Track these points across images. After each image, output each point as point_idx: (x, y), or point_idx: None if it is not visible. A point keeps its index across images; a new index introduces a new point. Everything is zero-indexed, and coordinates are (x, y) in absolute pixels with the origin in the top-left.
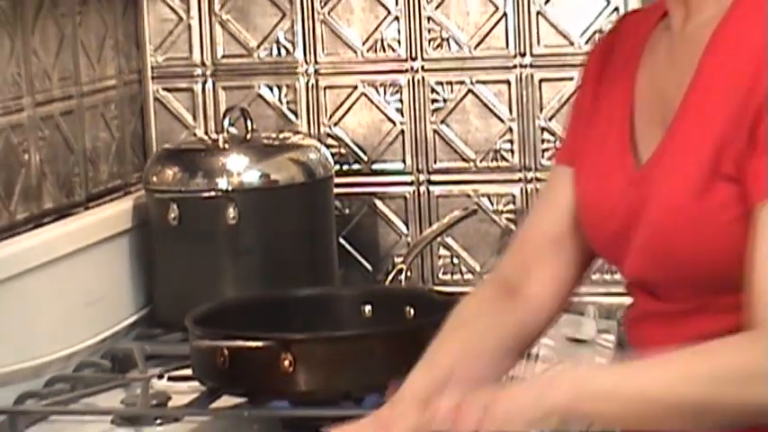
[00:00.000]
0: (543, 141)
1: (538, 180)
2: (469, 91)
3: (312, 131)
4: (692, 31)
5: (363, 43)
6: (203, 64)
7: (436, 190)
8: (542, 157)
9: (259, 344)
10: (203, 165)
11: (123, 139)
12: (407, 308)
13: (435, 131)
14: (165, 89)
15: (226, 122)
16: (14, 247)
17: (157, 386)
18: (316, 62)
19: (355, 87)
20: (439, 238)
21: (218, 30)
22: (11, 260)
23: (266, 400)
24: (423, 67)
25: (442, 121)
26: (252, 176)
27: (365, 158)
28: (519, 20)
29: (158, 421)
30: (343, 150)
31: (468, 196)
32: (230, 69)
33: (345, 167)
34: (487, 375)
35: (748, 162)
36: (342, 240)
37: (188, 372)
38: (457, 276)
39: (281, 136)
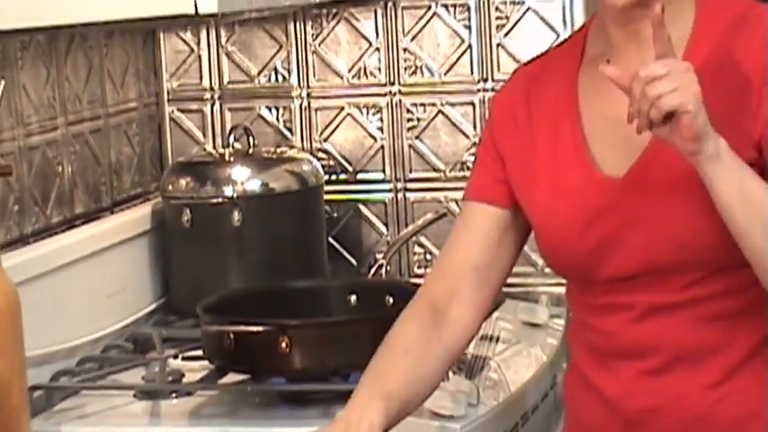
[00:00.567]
0: None
1: None
2: (440, 111)
3: (305, 146)
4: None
5: (349, 71)
6: (212, 88)
7: (411, 196)
8: None
9: (260, 328)
10: (212, 175)
11: (143, 153)
12: (387, 297)
13: (411, 146)
14: (179, 110)
15: (231, 139)
16: (50, 246)
17: (173, 365)
18: (308, 87)
19: (342, 108)
20: (414, 238)
21: (224, 59)
22: (47, 257)
23: (266, 376)
24: (400, 91)
25: (417, 137)
26: (254, 185)
27: (350, 169)
28: (482, 50)
29: (174, 395)
30: (331, 162)
31: (439, 201)
32: (235, 93)
33: (333, 177)
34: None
35: None
36: (331, 240)
37: (199, 353)
38: (429, 270)
39: (279, 150)
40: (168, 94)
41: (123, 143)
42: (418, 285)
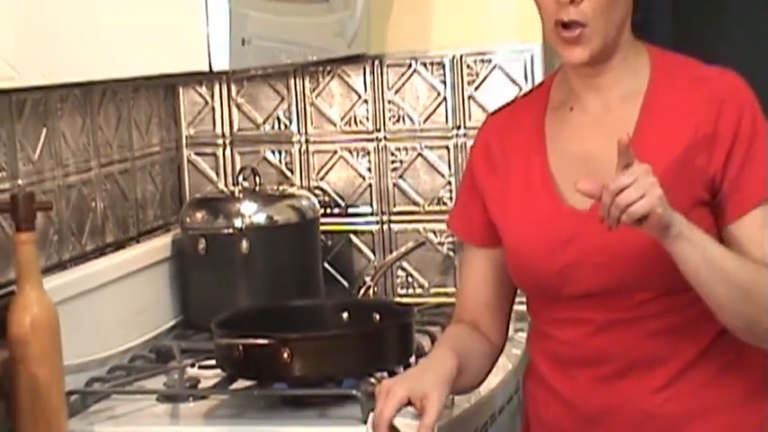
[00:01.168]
0: None
1: None
2: (419, 154)
3: (304, 184)
4: (617, 105)
5: (341, 119)
6: (223, 135)
7: (395, 227)
8: None
9: (265, 341)
10: (224, 210)
11: (165, 190)
12: (374, 314)
13: (394, 184)
14: (195, 154)
15: (240, 178)
16: (84, 271)
17: (190, 373)
18: (306, 133)
19: (335, 152)
20: (397, 263)
21: (234, 110)
22: (82, 280)
23: (270, 382)
24: (385, 137)
25: (399, 177)
26: (259, 218)
27: (343, 204)
28: (455, 102)
29: (191, 398)
30: (326, 198)
31: (419, 232)
32: (243, 139)
33: (328, 211)
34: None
35: (740, 176)
36: (326, 264)
37: (213, 362)
38: (411, 291)
39: (281, 188)
40: (186, 139)
41: (147, 182)
42: (401, 304)
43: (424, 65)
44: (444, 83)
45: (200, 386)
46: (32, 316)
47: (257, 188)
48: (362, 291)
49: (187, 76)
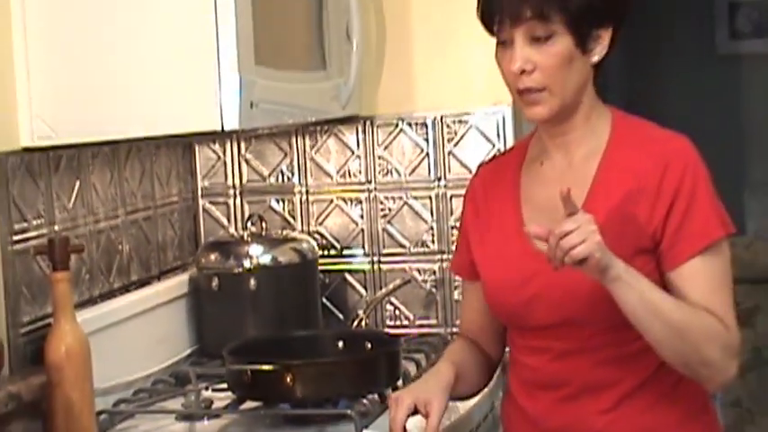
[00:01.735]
0: (452, 235)
1: (449, 260)
2: (405, 203)
3: (304, 229)
4: (579, 162)
5: (337, 173)
6: (234, 186)
7: (384, 267)
8: (451, 245)
9: (271, 367)
10: (234, 252)
11: (183, 235)
12: (367, 343)
13: (384, 229)
14: (209, 203)
15: (248, 224)
16: (112, 306)
17: (205, 395)
18: (306, 185)
19: (332, 201)
20: (386, 298)
21: (243, 164)
22: (110, 314)
23: (275, 404)
24: (375, 188)
25: (388, 222)
26: (266, 259)
27: (338, 247)
28: (437, 157)
29: (205, 418)
30: (324, 242)
31: (405, 271)
32: (251, 190)
33: (326, 252)
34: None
35: (679, 231)
36: (324, 300)
37: (225, 385)
38: (398, 323)
39: (284, 233)
40: (201, 190)
41: (167, 227)
42: (390, 334)
43: (410, 125)
44: (427, 140)
45: (214, 407)
46: (67, 345)
47: (264, 233)
48: (356, 322)
49: (202, 134)
